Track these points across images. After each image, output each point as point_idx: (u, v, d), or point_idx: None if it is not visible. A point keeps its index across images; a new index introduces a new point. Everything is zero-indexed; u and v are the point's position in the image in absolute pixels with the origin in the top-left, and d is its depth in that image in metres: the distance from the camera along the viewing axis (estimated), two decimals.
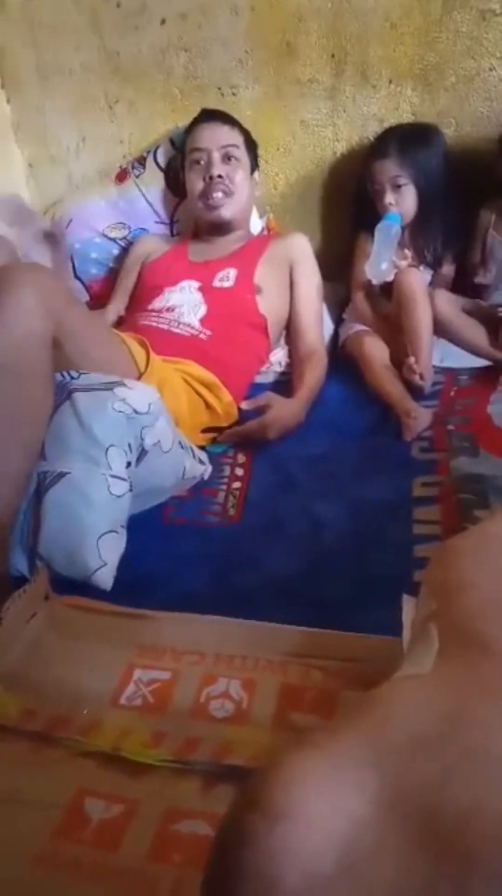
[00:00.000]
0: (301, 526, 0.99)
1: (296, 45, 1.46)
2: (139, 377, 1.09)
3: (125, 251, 1.58)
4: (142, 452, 0.97)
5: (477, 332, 1.35)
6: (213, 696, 0.70)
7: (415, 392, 1.26)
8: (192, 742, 0.64)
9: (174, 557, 0.95)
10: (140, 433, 0.95)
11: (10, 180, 1.70)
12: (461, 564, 0.50)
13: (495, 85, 1.38)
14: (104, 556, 0.88)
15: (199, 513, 1.05)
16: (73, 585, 0.87)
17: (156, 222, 1.61)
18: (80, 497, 0.89)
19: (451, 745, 0.33)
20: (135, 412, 0.94)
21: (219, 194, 1.40)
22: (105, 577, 0.88)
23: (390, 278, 1.36)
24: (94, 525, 0.89)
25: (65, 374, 0.97)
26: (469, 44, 1.36)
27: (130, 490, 0.94)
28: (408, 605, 0.59)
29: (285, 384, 1.36)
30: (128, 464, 0.94)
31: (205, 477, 1.12)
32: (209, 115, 1.45)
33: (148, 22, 1.50)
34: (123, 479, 0.92)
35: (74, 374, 0.97)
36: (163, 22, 1.50)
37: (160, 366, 1.17)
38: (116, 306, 1.48)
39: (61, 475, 0.90)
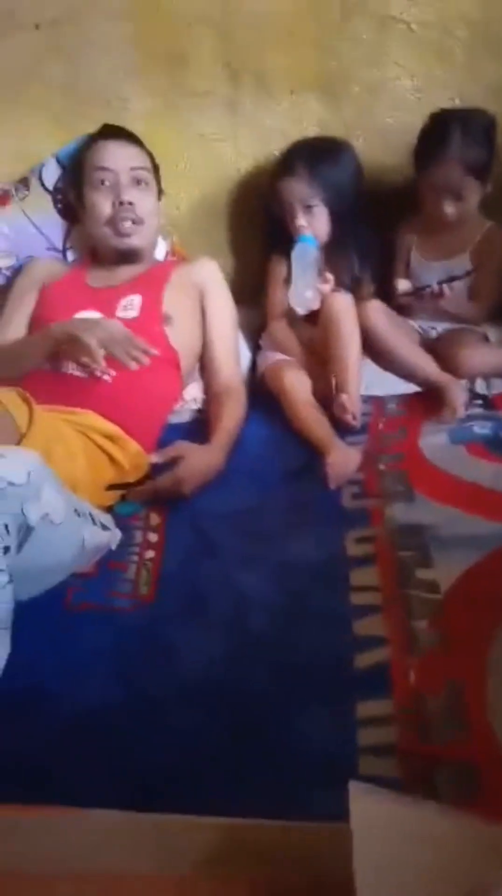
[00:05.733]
0: (224, 603, 0.86)
1: (187, 53, 1.34)
2: (20, 439, 0.93)
3: (11, 282, 1.40)
4: (28, 530, 0.81)
5: (413, 349, 1.25)
6: None
7: (343, 429, 1.15)
8: None
9: (73, 660, 0.79)
10: (21, 509, 0.79)
11: None
12: None
13: (401, 95, 1.31)
14: None
15: (107, 594, 0.90)
16: None
17: (47, 248, 1.45)
18: None
19: None
20: (11, 484, 0.78)
21: (129, 223, 1.27)
22: None
23: (316, 306, 1.25)
24: None
25: None
26: (370, 52, 1.28)
27: (10, 581, 0.77)
28: (357, 803, 0.44)
29: (203, 422, 1.23)
30: (6, 549, 0.77)
31: (113, 546, 0.97)
32: (114, 132, 1.31)
33: (18, 28, 1.34)
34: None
35: None
36: (36, 27, 1.34)
37: (47, 422, 1.01)
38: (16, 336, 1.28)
39: None
